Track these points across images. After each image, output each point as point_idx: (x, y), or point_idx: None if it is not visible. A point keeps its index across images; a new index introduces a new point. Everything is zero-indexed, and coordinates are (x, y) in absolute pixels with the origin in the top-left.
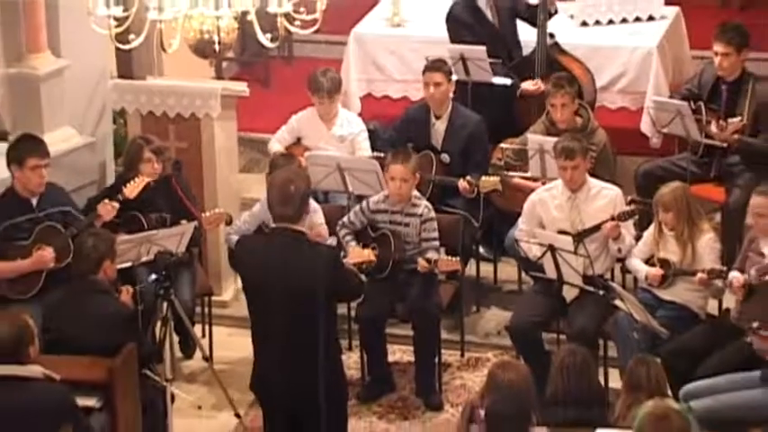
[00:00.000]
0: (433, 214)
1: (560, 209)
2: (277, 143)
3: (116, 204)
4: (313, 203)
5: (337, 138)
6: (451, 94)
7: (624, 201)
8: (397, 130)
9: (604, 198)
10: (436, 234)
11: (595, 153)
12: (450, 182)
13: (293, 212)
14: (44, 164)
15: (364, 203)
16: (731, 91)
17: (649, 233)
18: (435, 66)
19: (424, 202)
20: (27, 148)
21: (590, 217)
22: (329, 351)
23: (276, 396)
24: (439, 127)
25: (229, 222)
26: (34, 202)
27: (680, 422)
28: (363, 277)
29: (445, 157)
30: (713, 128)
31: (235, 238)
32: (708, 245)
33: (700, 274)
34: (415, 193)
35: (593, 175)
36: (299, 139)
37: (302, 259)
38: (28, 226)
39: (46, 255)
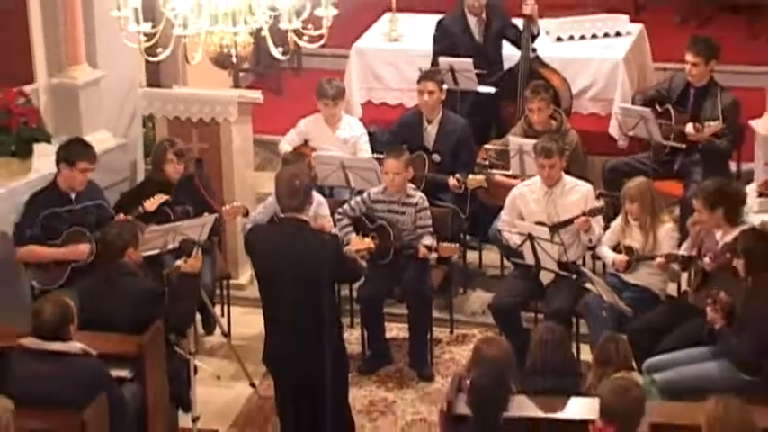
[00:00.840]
0: (426, 204)
1: (538, 202)
2: (287, 144)
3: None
4: (319, 197)
5: (341, 140)
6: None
7: (594, 195)
8: (393, 134)
9: (577, 193)
10: (430, 221)
11: (569, 152)
12: (441, 179)
13: (298, 204)
14: (92, 168)
15: (365, 194)
16: (698, 96)
17: (616, 223)
18: (429, 76)
19: (419, 194)
20: (80, 152)
21: (565, 210)
22: (332, 328)
23: (285, 369)
24: (430, 130)
25: (246, 214)
26: (73, 196)
27: (638, 393)
28: (365, 263)
29: (436, 157)
30: (690, 129)
31: (250, 223)
32: (667, 234)
33: (659, 259)
34: (411, 185)
35: (567, 172)
36: (306, 141)
37: (306, 245)
38: (67, 217)
39: (82, 248)
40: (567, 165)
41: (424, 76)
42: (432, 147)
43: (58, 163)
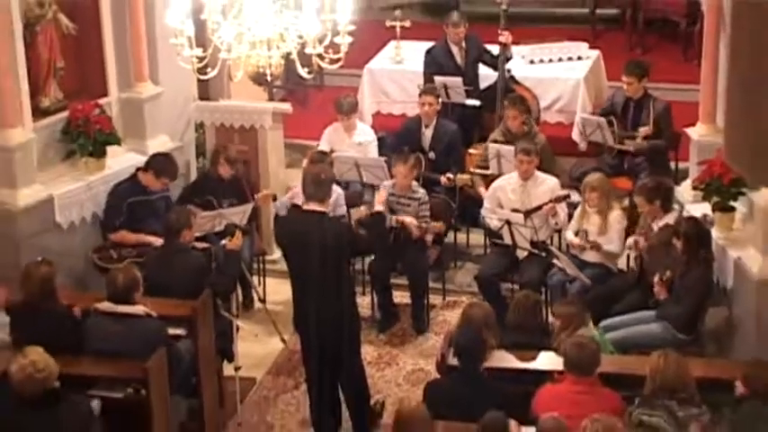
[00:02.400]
0: (427, 199)
1: (515, 192)
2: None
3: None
4: (337, 188)
5: (356, 144)
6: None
7: (559, 187)
8: (397, 136)
9: (546, 185)
10: (429, 213)
11: (537, 150)
12: (436, 177)
13: (322, 195)
14: (170, 183)
15: (382, 186)
16: (636, 107)
17: (578, 211)
18: (429, 91)
19: (422, 190)
20: (168, 170)
21: (536, 198)
22: (348, 295)
23: (310, 328)
24: (427, 133)
25: (275, 199)
26: (148, 189)
27: (594, 348)
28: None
29: (431, 155)
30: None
31: (279, 205)
32: (616, 219)
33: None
34: (415, 183)
35: (538, 168)
36: (332, 150)
37: (326, 230)
38: (144, 204)
39: (153, 239)
40: (539, 161)
41: (425, 91)
42: (428, 146)
43: (147, 166)
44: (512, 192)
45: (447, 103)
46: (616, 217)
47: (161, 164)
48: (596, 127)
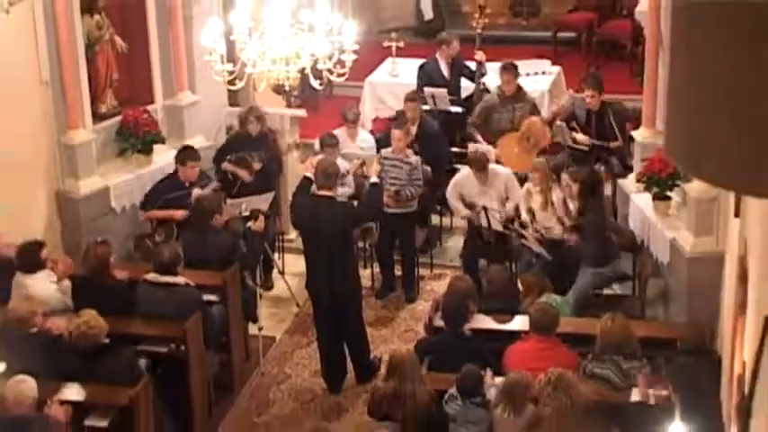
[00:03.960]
0: (419, 165)
1: (474, 185)
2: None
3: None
4: (345, 165)
5: (358, 147)
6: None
7: (513, 177)
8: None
9: (500, 175)
10: (421, 179)
11: (530, 107)
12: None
13: (331, 184)
14: (197, 164)
15: (379, 154)
16: (598, 118)
17: (524, 191)
18: (410, 97)
19: (415, 157)
20: (187, 155)
21: (492, 187)
22: (353, 266)
23: (322, 295)
24: (413, 130)
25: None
26: (187, 185)
27: (554, 312)
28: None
29: (416, 147)
30: (579, 137)
31: None
32: (556, 196)
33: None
34: (410, 150)
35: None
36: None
37: (335, 212)
38: (182, 201)
39: (179, 213)
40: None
41: (407, 99)
42: (412, 141)
43: (176, 162)
44: (472, 185)
45: (434, 109)
46: (556, 194)
47: (181, 154)
48: (561, 131)
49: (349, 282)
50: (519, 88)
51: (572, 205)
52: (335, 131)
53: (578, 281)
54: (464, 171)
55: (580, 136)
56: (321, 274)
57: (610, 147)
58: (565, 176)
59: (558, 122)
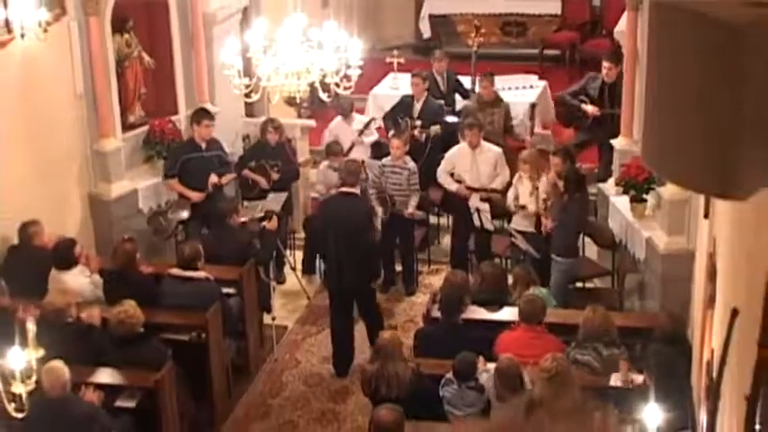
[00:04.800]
0: (416, 171)
1: (465, 158)
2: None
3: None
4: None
5: (356, 130)
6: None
7: (502, 156)
8: (396, 107)
9: (490, 152)
10: (417, 183)
11: (503, 112)
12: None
13: (354, 181)
14: (211, 123)
15: (380, 162)
16: (610, 89)
17: (516, 178)
18: (417, 74)
19: (413, 164)
20: (201, 114)
21: (483, 163)
22: (370, 257)
23: (343, 280)
24: (417, 106)
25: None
26: (203, 146)
27: (541, 303)
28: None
29: (419, 122)
30: (589, 108)
31: (319, 187)
32: (542, 184)
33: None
34: (407, 158)
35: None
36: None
37: (356, 208)
38: (199, 160)
39: (196, 195)
40: (504, 123)
41: (414, 74)
42: (417, 115)
43: (191, 124)
44: (463, 158)
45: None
46: (543, 182)
47: (196, 114)
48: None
49: (370, 269)
50: (496, 94)
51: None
52: (333, 122)
53: (552, 274)
54: (459, 146)
55: (590, 108)
56: (341, 266)
57: (618, 114)
58: (553, 158)
59: (567, 97)
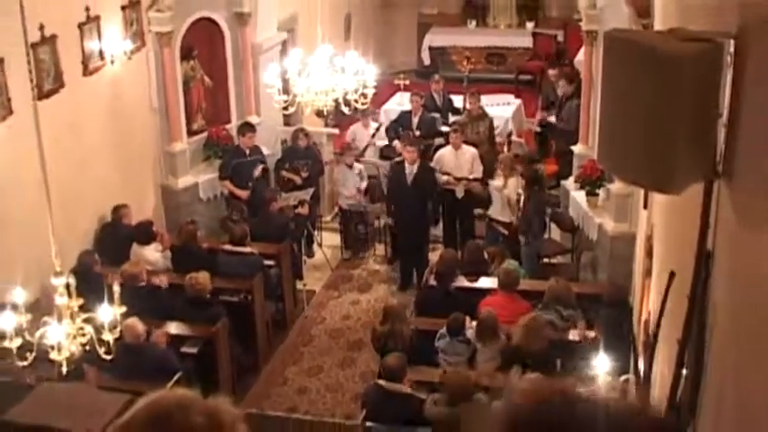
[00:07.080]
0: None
1: (451, 156)
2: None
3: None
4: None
5: (370, 132)
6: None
7: (477, 155)
8: (397, 120)
9: (468, 153)
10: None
11: (487, 126)
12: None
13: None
14: (253, 134)
15: (392, 161)
16: (560, 107)
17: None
18: (414, 93)
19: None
20: (246, 128)
21: (464, 160)
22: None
23: (407, 229)
24: (415, 120)
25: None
26: (247, 152)
27: (516, 274)
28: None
29: (417, 132)
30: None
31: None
32: (512, 184)
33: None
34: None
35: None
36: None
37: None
38: (245, 163)
39: (242, 192)
40: (489, 133)
41: (413, 94)
42: (415, 127)
43: (238, 135)
44: (450, 158)
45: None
46: (512, 183)
47: (241, 128)
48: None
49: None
50: (482, 110)
51: (520, 190)
52: (352, 127)
53: (522, 252)
54: (445, 149)
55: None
56: (407, 216)
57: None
58: (518, 167)
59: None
